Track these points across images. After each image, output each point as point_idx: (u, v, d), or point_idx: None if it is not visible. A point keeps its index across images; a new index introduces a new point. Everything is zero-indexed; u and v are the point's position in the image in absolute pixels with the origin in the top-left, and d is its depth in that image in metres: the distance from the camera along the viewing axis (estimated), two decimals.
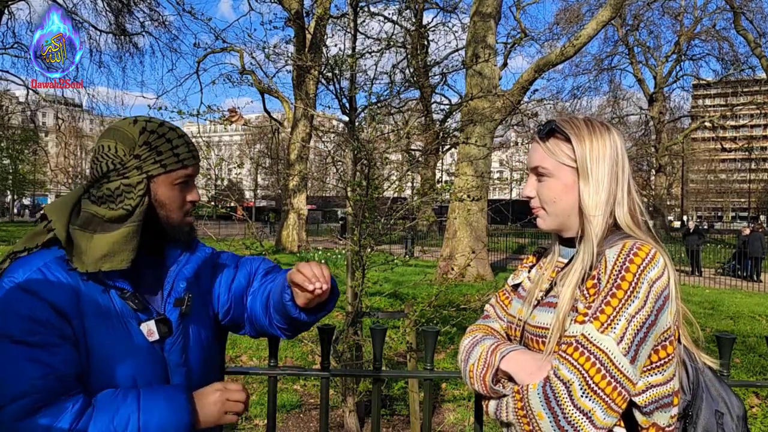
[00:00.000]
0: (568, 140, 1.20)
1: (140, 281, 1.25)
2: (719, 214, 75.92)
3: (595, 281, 1.11)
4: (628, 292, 1.05)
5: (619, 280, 1.07)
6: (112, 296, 1.19)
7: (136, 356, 1.18)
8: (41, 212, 1.26)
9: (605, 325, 1.04)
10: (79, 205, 1.22)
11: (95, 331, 1.15)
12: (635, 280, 1.06)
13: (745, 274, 15.97)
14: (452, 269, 7.85)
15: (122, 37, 22.50)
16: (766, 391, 5.06)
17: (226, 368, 1.79)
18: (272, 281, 1.41)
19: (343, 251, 3.88)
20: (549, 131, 1.23)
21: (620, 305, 1.05)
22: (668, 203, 43.52)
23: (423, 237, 26.77)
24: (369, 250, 3.72)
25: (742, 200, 69.84)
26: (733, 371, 2.50)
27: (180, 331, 1.26)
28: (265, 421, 1.96)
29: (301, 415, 4.61)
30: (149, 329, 1.20)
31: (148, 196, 1.22)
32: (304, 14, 15.37)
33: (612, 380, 1.02)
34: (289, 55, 4.47)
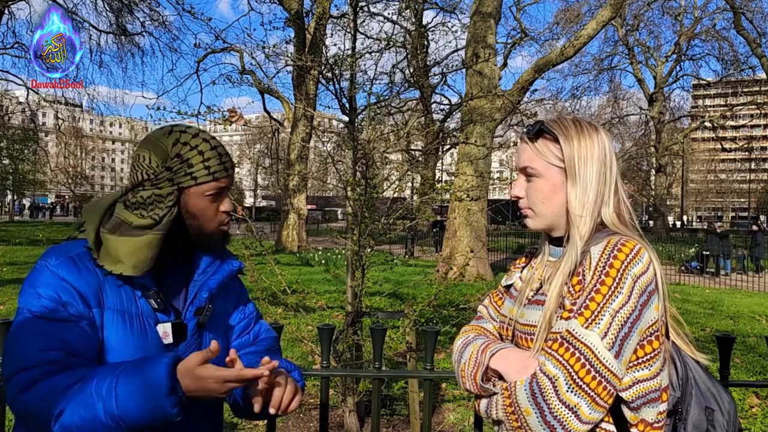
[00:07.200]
0: (556, 140, 1.20)
1: (166, 284, 1.28)
2: (719, 214, 75.91)
3: (581, 278, 1.12)
4: (612, 288, 1.06)
5: (603, 276, 1.07)
6: (136, 293, 1.22)
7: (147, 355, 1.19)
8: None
9: (589, 320, 1.05)
10: (113, 209, 1.26)
11: (112, 324, 1.18)
12: (619, 275, 1.06)
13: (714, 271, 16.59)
14: (452, 269, 7.85)
15: (123, 37, 22.54)
16: (766, 391, 5.06)
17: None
18: (247, 334, 1.44)
19: (343, 251, 3.88)
20: (537, 131, 1.23)
21: (604, 301, 1.05)
22: (668, 203, 43.49)
23: (423, 237, 26.76)
24: (369, 250, 3.72)
25: (742, 200, 69.90)
26: (733, 371, 2.49)
27: (195, 338, 1.28)
28: (265, 421, 1.96)
29: (301, 415, 4.61)
30: (165, 331, 1.22)
31: (178, 206, 1.25)
32: (304, 14, 15.38)
33: (597, 375, 1.03)
34: (289, 55, 4.47)
